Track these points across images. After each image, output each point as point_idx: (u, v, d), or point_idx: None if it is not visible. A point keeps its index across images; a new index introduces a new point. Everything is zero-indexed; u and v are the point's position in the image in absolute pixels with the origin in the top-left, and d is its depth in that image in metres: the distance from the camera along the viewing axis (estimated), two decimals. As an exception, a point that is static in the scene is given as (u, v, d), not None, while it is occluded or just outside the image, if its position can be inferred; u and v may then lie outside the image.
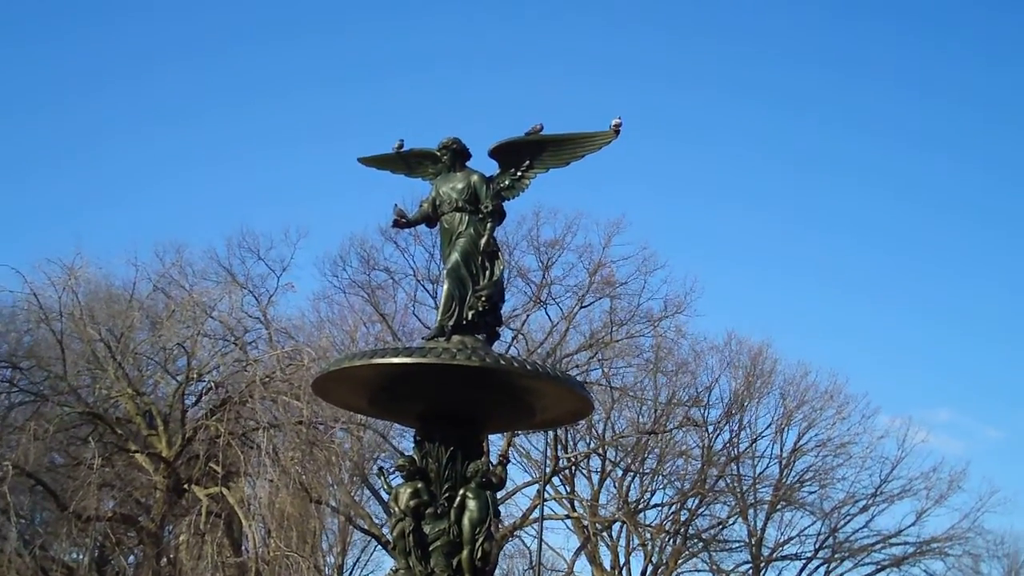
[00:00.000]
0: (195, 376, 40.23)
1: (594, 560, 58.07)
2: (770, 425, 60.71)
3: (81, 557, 44.57)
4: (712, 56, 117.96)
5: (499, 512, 16.85)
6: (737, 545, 61.49)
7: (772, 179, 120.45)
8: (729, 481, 59.78)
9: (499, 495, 17.23)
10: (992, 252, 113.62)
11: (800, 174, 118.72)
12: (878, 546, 61.94)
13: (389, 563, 17.33)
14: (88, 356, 39.87)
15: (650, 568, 58.89)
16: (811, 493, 61.50)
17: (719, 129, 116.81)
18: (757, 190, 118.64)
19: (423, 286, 49.41)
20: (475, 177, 16.94)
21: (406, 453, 17.98)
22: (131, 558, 44.57)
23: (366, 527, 51.47)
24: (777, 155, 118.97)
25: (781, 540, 61.88)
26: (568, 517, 56.11)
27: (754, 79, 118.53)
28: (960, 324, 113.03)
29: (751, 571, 60.90)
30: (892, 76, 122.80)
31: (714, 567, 61.13)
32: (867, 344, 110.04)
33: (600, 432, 55.40)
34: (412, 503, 15.90)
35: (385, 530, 45.26)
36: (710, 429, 58.23)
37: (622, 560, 59.29)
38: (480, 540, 15.82)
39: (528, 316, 50.27)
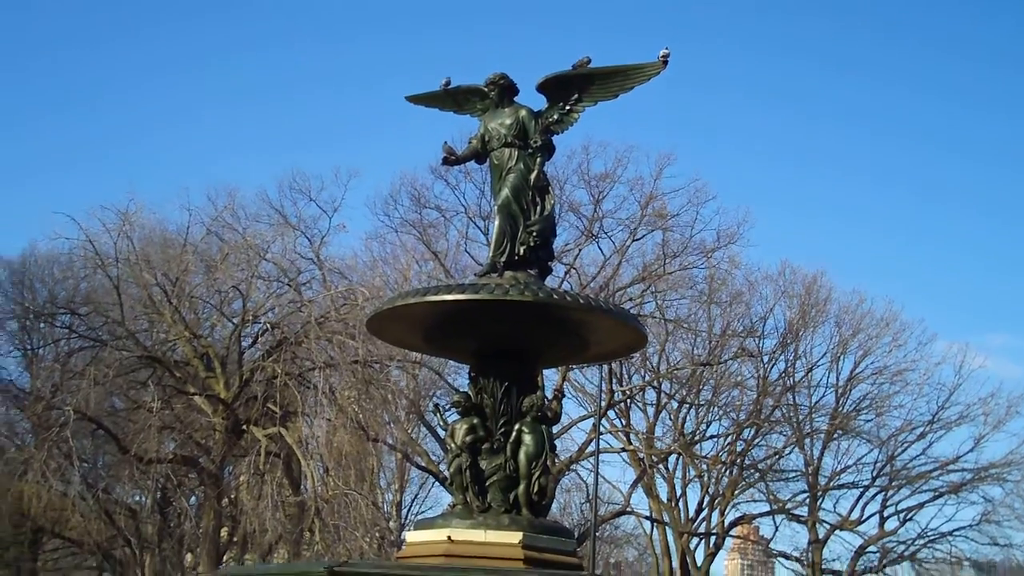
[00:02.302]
0: (251, 318, 40.50)
1: (651, 492, 58.28)
2: (825, 354, 60.47)
3: (143, 499, 45.27)
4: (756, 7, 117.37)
5: (555, 446, 16.89)
6: (794, 474, 61.53)
7: (822, 105, 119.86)
8: (785, 411, 59.66)
9: (554, 429, 17.28)
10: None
11: (848, 111, 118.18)
12: (936, 473, 61.74)
13: (447, 499, 17.45)
14: (145, 300, 40.20)
15: (707, 499, 59.07)
16: (868, 421, 61.33)
17: (766, 73, 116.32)
18: (804, 126, 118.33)
19: (474, 223, 49.33)
20: (523, 112, 16.87)
21: (461, 389, 18.03)
22: (192, 499, 45.17)
23: (423, 464, 51.78)
24: (822, 95, 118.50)
25: (838, 469, 61.78)
26: (624, 450, 56.21)
27: (804, 32, 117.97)
28: (1016, 248, 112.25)
29: (808, 500, 60.92)
30: (933, 32, 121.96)
31: (771, 497, 61.22)
32: (922, 270, 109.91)
33: (655, 364, 55.35)
34: (468, 439, 15.97)
35: (442, 466, 45.49)
36: (765, 359, 58.05)
37: (679, 492, 59.53)
38: (537, 474, 15.88)
39: (580, 250, 50.05)
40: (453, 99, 18.07)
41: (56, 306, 44.15)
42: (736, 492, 59.67)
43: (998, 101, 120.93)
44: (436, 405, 22.13)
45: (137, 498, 45.67)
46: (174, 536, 44.84)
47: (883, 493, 62.28)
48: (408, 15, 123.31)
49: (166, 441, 41.08)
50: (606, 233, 50.37)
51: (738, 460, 58.35)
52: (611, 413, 54.46)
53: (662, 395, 57.28)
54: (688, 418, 58.34)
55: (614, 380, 52.42)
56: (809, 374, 60.27)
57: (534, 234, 16.52)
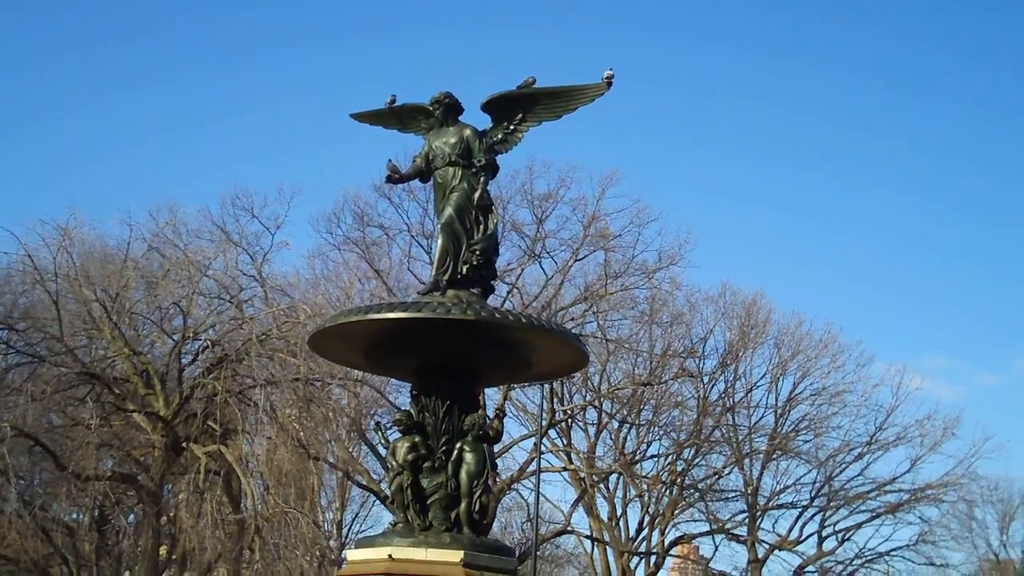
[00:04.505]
0: (191, 335, 40.16)
1: (591, 511, 58.35)
2: (765, 375, 60.94)
3: (81, 517, 44.78)
4: (703, 8, 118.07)
5: (496, 465, 17.00)
6: (733, 494, 61.87)
7: (763, 128, 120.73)
8: (725, 431, 59.98)
9: (496, 448, 17.35)
10: (988, 194, 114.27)
11: (791, 123, 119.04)
12: (873, 493, 62.29)
13: (388, 517, 17.47)
14: (84, 316, 39.81)
15: (647, 518, 59.22)
16: (806, 442, 61.80)
17: (710, 80, 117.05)
18: (748, 140, 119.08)
19: (417, 241, 49.29)
20: (468, 131, 16.96)
21: (403, 408, 18.05)
22: (131, 517, 44.75)
23: (364, 482, 51.63)
24: (767, 103, 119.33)
25: (777, 489, 62.22)
26: (565, 469, 56.26)
27: (747, 28, 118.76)
28: (956, 269, 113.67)
29: (747, 520, 61.22)
30: (883, 21, 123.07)
31: (711, 517, 61.46)
32: (861, 291, 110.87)
33: (596, 384, 55.46)
34: (410, 457, 16.00)
35: (383, 485, 45.39)
36: (705, 380, 58.38)
37: (619, 511, 59.65)
38: (478, 493, 15.94)
39: (523, 270, 50.11)
40: (398, 117, 18.16)
41: (-7, 321, 43.65)
42: (676, 512, 59.86)
43: (934, 132, 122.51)
44: (377, 423, 22.14)
45: (75, 516, 45.20)
46: (112, 554, 44.35)
47: (821, 513, 62.79)
48: (354, 28, 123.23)
49: (104, 458, 40.63)
50: (549, 253, 50.50)
51: (678, 480, 58.56)
52: (552, 432, 54.51)
53: (603, 415, 57.43)
54: (629, 438, 58.53)
55: (555, 399, 52.46)
56: (749, 395, 60.73)
57: (477, 253, 16.61)
